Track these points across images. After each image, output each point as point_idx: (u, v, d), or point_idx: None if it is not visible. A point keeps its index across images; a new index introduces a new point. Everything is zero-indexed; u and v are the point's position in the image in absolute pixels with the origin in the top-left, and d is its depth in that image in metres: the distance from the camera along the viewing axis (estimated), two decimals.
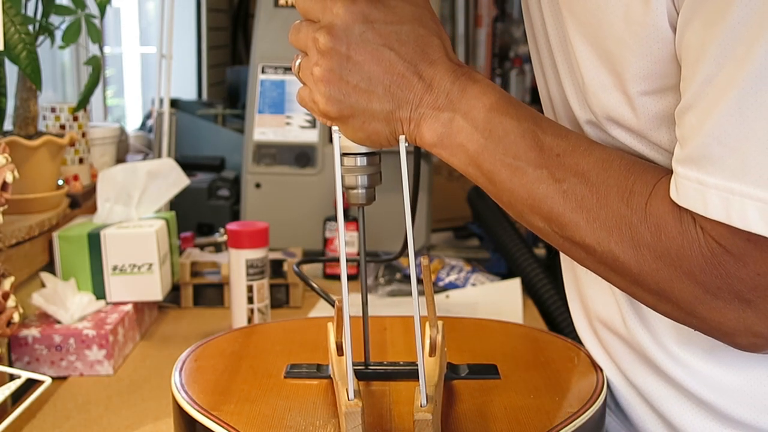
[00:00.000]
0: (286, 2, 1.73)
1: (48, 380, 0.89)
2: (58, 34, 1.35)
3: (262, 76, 1.73)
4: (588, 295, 0.75)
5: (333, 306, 0.97)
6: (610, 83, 0.61)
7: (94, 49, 1.48)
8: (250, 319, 1.24)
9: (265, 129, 1.72)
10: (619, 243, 0.58)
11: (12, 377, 0.96)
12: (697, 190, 0.53)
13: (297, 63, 0.67)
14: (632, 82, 0.59)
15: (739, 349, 0.58)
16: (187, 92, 2.84)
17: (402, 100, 0.63)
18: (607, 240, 0.58)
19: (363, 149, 0.67)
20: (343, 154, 0.68)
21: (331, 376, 0.71)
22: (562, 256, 0.82)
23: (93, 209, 1.36)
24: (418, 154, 0.77)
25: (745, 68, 0.50)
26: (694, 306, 0.57)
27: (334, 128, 0.66)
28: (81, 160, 1.48)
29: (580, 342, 0.82)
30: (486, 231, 1.74)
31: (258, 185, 1.72)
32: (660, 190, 0.57)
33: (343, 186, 0.68)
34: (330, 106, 0.64)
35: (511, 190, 0.62)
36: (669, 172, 0.58)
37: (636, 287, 0.60)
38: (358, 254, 1.63)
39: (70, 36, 1.34)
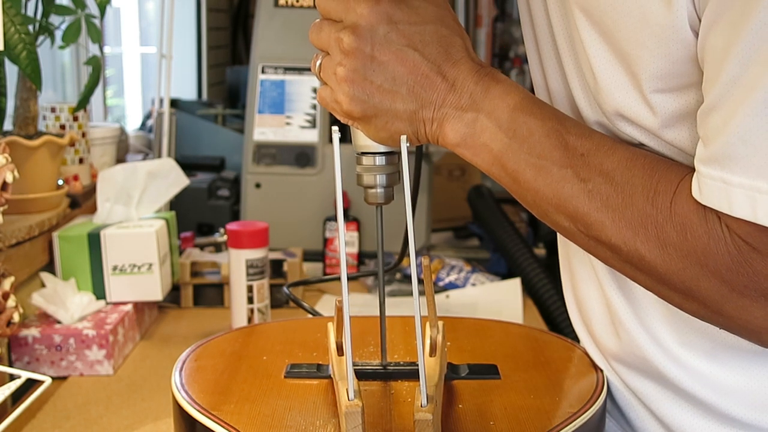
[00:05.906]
0: (286, 2, 1.73)
1: (48, 380, 0.89)
2: (58, 34, 1.35)
3: (262, 76, 1.73)
4: (584, 296, 0.75)
5: (314, 315, 0.99)
6: (625, 82, 0.60)
7: (94, 49, 1.48)
8: (250, 319, 1.24)
9: (265, 129, 1.72)
10: (645, 242, 0.58)
11: (12, 377, 0.96)
12: (721, 189, 0.53)
13: (318, 63, 0.67)
14: (648, 81, 0.59)
15: (766, 347, 0.58)
16: (187, 92, 2.84)
17: (425, 101, 0.63)
18: (633, 239, 0.58)
19: (382, 148, 0.67)
20: (362, 153, 0.68)
21: (331, 376, 0.71)
22: (560, 256, 0.82)
23: (93, 209, 1.36)
24: (419, 155, 0.77)
25: None
26: (720, 305, 0.57)
27: (334, 128, 0.66)
28: (81, 160, 1.48)
29: (579, 342, 0.82)
30: (486, 231, 1.74)
31: (258, 185, 1.72)
32: (684, 188, 0.57)
33: (361, 185, 0.69)
34: (354, 106, 0.64)
35: (535, 190, 0.62)
36: (692, 170, 0.57)
37: (662, 286, 0.59)
38: (358, 256, 1.64)
39: (70, 36, 1.35)
